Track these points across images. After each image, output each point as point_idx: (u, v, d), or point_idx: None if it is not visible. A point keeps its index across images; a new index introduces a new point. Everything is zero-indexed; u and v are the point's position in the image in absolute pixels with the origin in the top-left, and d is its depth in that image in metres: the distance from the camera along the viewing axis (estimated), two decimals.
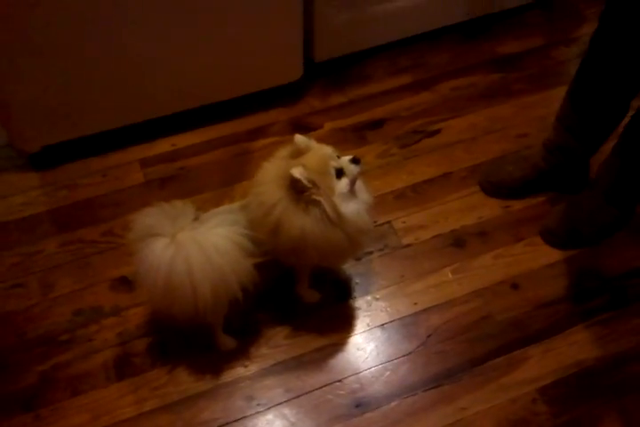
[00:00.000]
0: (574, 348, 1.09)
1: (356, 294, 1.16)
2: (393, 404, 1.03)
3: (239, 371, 1.06)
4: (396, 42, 1.54)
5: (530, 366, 1.07)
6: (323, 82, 1.50)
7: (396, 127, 1.42)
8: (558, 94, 1.47)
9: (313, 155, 0.91)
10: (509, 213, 1.27)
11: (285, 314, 1.12)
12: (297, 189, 0.88)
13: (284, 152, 0.94)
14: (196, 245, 0.88)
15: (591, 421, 1.02)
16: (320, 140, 1.37)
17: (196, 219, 0.93)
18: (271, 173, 0.92)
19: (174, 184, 1.32)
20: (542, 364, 1.07)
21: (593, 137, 1.18)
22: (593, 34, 1.04)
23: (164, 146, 1.39)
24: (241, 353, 1.07)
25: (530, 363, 1.07)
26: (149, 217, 0.92)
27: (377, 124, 1.43)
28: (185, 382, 1.05)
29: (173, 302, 0.90)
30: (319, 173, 0.89)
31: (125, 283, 1.15)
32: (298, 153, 0.91)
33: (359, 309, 1.14)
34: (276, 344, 1.09)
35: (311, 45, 1.43)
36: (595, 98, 1.10)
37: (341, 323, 1.12)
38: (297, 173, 0.86)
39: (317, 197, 0.88)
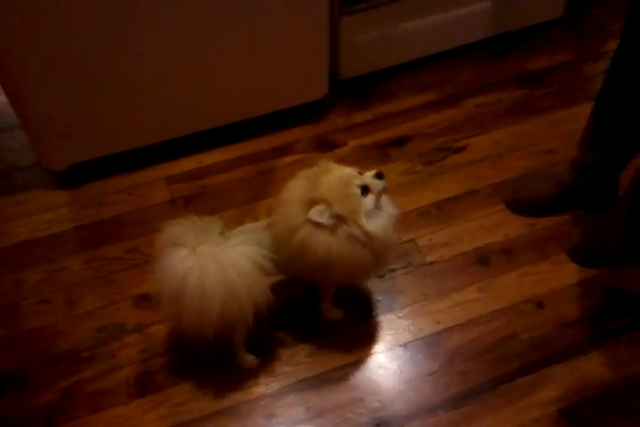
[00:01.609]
0: (599, 368, 1.05)
1: (378, 311, 1.14)
2: (414, 424, 1.00)
3: (260, 389, 1.05)
4: (420, 59, 1.54)
5: (553, 387, 1.03)
6: (347, 99, 1.51)
7: (421, 144, 1.42)
8: (585, 110, 1.44)
9: (334, 175, 0.90)
10: (535, 231, 1.24)
11: (307, 332, 1.11)
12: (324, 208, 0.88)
13: (307, 172, 0.94)
14: (214, 259, 0.89)
15: None
16: (344, 157, 1.41)
17: (222, 234, 0.94)
18: (296, 194, 0.91)
19: (199, 202, 1.34)
20: (566, 384, 1.03)
21: (619, 155, 1.15)
22: (615, 52, 1.03)
23: (190, 163, 1.41)
24: (262, 371, 1.06)
25: (554, 383, 1.03)
26: (177, 228, 0.93)
27: (401, 142, 1.43)
28: (206, 399, 1.04)
29: (181, 312, 0.90)
30: (342, 197, 0.88)
31: (148, 300, 1.16)
32: (320, 174, 0.91)
33: (382, 327, 1.12)
34: (298, 362, 1.07)
35: (336, 63, 1.45)
36: (619, 115, 1.08)
37: (363, 341, 1.10)
38: (317, 215, 0.87)
39: (347, 230, 0.88)
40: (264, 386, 1.05)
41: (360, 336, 1.11)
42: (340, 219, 0.88)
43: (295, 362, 1.07)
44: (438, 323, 1.11)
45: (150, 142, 1.38)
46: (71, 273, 1.22)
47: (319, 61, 1.38)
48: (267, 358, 1.08)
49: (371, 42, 1.44)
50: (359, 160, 1.39)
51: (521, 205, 1.26)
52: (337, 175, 0.91)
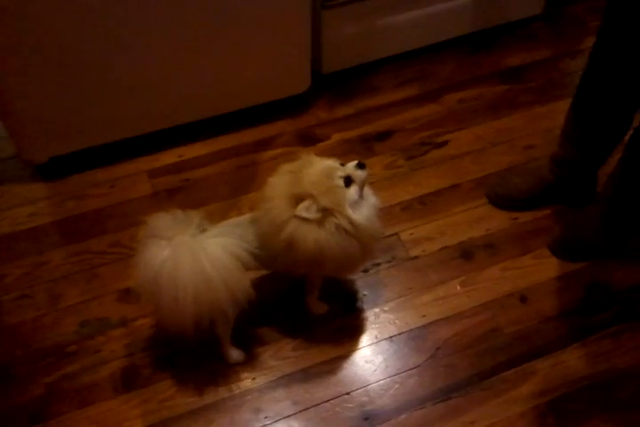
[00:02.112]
0: (583, 361, 1.08)
1: (363, 306, 1.15)
2: (402, 417, 1.02)
3: (247, 383, 1.05)
4: (402, 54, 1.55)
5: (538, 380, 1.06)
6: (330, 93, 1.51)
7: (403, 139, 1.43)
8: (565, 106, 1.47)
9: (316, 168, 0.91)
10: (517, 226, 1.27)
11: (293, 326, 1.12)
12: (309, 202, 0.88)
13: (289, 167, 0.94)
14: (188, 250, 0.88)
15: None
16: (327, 150, 1.41)
17: (203, 229, 0.93)
18: (279, 189, 0.91)
19: (181, 195, 1.32)
20: (551, 377, 1.06)
21: (597, 150, 1.18)
22: (592, 48, 1.05)
23: (171, 157, 1.39)
24: (248, 365, 1.07)
25: (538, 376, 1.07)
26: (156, 220, 0.93)
27: (384, 136, 1.44)
28: (192, 394, 1.04)
29: (158, 304, 0.90)
30: (325, 189, 0.89)
31: (132, 294, 1.15)
32: (302, 168, 0.91)
33: (367, 321, 1.13)
34: (284, 356, 1.08)
35: (319, 57, 1.44)
36: (597, 111, 1.11)
37: (349, 335, 1.12)
38: (304, 212, 0.87)
39: (335, 221, 0.88)
40: (250, 380, 1.06)
41: (346, 330, 1.12)
42: (326, 211, 0.88)
43: (281, 356, 1.08)
44: (423, 316, 1.13)
45: (131, 135, 1.36)
46: (54, 267, 1.20)
47: (301, 55, 1.37)
48: (253, 352, 1.08)
49: (353, 36, 1.44)
50: (342, 154, 1.40)
51: (502, 200, 1.29)
52: (319, 168, 0.91)
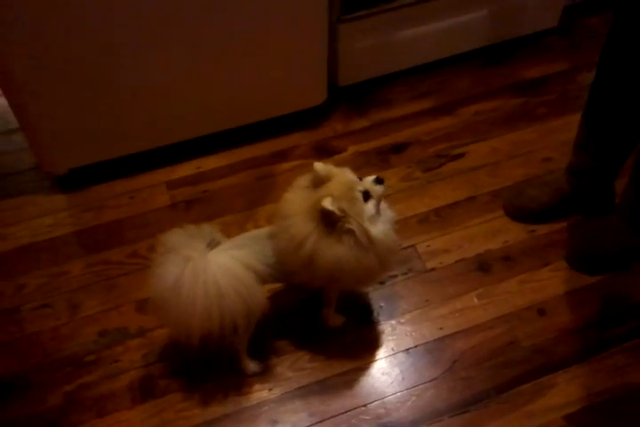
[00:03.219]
0: (601, 375, 1.07)
1: (380, 318, 1.15)
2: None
3: (263, 394, 1.05)
4: (417, 67, 1.56)
5: (557, 393, 1.05)
6: (345, 106, 1.53)
7: (419, 151, 1.43)
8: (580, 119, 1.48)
9: (337, 181, 0.91)
10: (534, 238, 1.26)
11: (309, 338, 1.12)
12: (329, 221, 0.88)
13: (303, 181, 0.94)
14: (202, 265, 0.89)
15: None
16: (344, 163, 1.40)
17: (217, 243, 0.94)
18: (297, 205, 0.91)
19: (199, 206, 1.34)
20: (569, 391, 1.05)
21: (612, 158, 1.18)
22: (600, 55, 1.05)
23: (189, 169, 1.41)
24: (265, 376, 1.07)
25: (557, 390, 1.05)
26: (171, 236, 0.94)
27: (400, 148, 1.44)
28: (209, 404, 1.04)
29: (172, 319, 0.92)
30: (346, 199, 0.89)
31: (149, 305, 1.16)
32: (319, 181, 0.91)
33: (384, 333, 1.13)
34: (301, 368, 1.08)
35: (335, 70, 1.46)
36: (608, 120, 1.11)
37: (366, 347, 1.12)
38: (328, 204, 0.86)
39: (350, 226, 0.88)
40: (267, 392, 1.06)
41: (362, 342, 1.12)
42: (347, 217, 0.87)
43: (298, 368, 1.08)
44: (440, 329, 1.13)
45: (150, 147, 1.38)
46: (73, 277, 1.22)
47: (318, 68, 1.39)
48: (270, 363, 1.08)
49: (369, 49, 1.46)
50: (359, 166, 1.41)
51: (519, 212, 1.28)
52: (339, 181, 0.91)
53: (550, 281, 1.20)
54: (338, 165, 1.37)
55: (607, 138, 1.13)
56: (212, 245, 0.93)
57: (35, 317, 1.16)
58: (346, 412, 1.03)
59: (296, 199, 0.93)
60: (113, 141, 1.33)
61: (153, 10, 1.13)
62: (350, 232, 0.88)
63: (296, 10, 1.24)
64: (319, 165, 0.91)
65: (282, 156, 1.44)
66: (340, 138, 1.47)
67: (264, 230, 1.01)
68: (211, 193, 1.37)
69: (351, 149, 1.45)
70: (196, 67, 1.26)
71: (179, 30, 1.18)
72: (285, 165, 1.42)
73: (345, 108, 1.53)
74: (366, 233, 0.89)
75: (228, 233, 1.26)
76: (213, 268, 0.89)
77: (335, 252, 0.88)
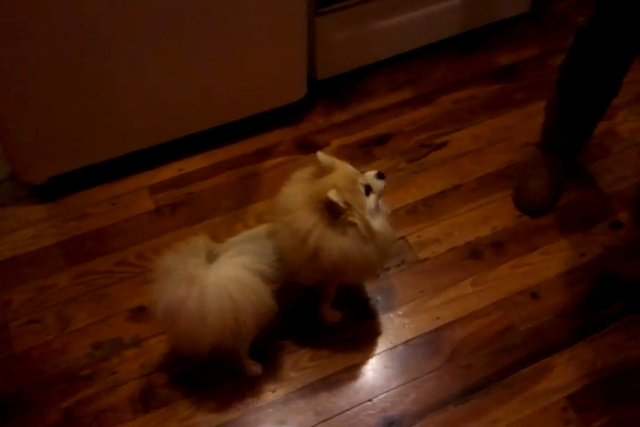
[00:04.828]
0: (598, 354, 1.10)
1: (377, 311, 1.15)
2: (424, 421, 1.02)
3: (267, 396, 1.04)
4: (395, 57, 1.56)
5: (557, 375, 1.07)
6: (325, 100, 1.51)
7: (402, 142, 1.43)
8: None
9: (339, 173, 0.90)
10: (522, 223, 1.28)
11: (308, 336, 1.11)
12: (333, 212, 0.87)
13: (303, 174, 0.93)
14: (209, 281, 0.86)
15: (622, 425, 1.02)
16: None
17: (216, 254, 0.91)
18: (298, 198, 0.90)
19: (185, 209, 1.31)
20: (569, 371, 1.07)
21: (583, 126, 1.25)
22: (576, 38, 1.09)
23: (171, 171, 1.38)
24: (267, 378, 1.06)
25: (556, 371, 1.07)
26: (167, 259, 0.91)
27: (383, 140, 1.44)
28: (212, 410, 1.03)
29: (179, 334, 0.90)
30: (349, 191, 0.88)
31: (144, 312, 1.14)
32: (321, 172, 0.90)
33: (381, 326, 1.13)
34: (303, 367, 1.08)
35: (313, 64, 1.44)
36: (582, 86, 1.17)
37: (365, 342, 1.12)
38: (334, 195, 0.85)
39: (353, 219, 0.88)
40: (271, 393, 1.05)
41: (361, 337, 1.12)
42: (350, 209, 0.87)
43: (300, 367, 1.08)
44: (437, 319, 1.14)
45: (130, 151, 1.34)
46: (60, 290, 1.18)
47: (297, 63, 1.37)
48: (271, 364, 1.07)
49: (346, 41, 1.45)
50: (343, 160, 1.39)
51: (535, 208, 1.29)
52: (342, 173, 0.90)
53: (540, 265, 1.21)
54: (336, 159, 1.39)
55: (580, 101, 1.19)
56: (211, 257, 0.90)
57: (24, 333, 1.12)
58: (351, 408, 1.03)
59: (296, 193, 0.91)
60: (91, 147, 1.29)
61: (124, 10, 1.09)
62: (353, 225, 0.88)
63: (274, 4, 1.21)
64: (322, 155, 0.90)
65: (265, 153, 1.42)
66: (322, 132, 1.46)
67: (260, 229, 0.99)
68: (195, 195, 1.34)
69: (334, 143, 1.44)
70: (173, 68, 1.23)
71: (153, 30, 1.14)
72: (269, 163, 1.40)
73: (325, 102, 1.51)
74: (368, 226, 0.89)
75: (217, 235, 1.25)
76: (222, 282, 0.87)
77: (340, 244, 0.87)
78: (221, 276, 0.87)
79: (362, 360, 1.09)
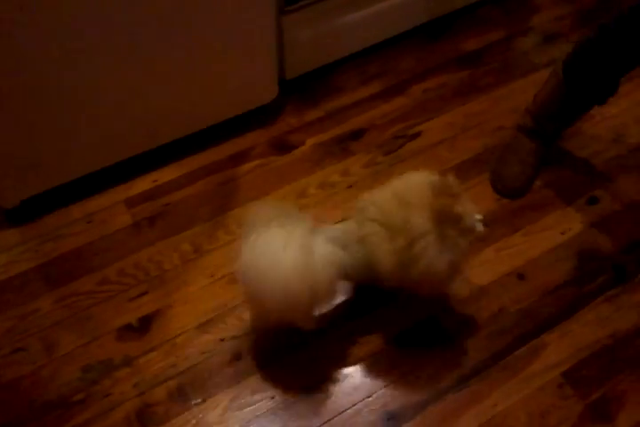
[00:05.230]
0: (587, 328, 1.11)
1: (370, 307, 1.14)
2: (425, 411, 1.02)
3: (267, 404, 1.03)
4: (362, 51, 1.55)
5: (550, 353, 1.08)
6: (296, 98, 1.50)
7: (377, 135, 1.43)
8: (525, 84, 1.51)
9: (463, 200, 0.92)
10: (502, 206, 1.28)
11: (301, 338, 1.10)
12: (450, 229, 0.89)
13: (431, 177, 0.93)
14: (308, 248, 0.88)
15: (618, 396, 1.03)
16: (305, 157, 1.39)
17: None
18: (423, 198, 0.90)
19: (163, 221, 1.29)
20: (561, 349, 1.08)
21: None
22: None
23: (145, 183, 1.35)
24: (264, 385, 1.05)
25: (549, 350, 1.08)
26: (265, 209, 0.93)
27: (357, 135, 1.43)
28: (213, 424, 1.01)
29: (262, 292, 0.90)
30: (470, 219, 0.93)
31: (132, 330, 1.11)
32: (442, 192, 0.91)
33: (374, 322, 1.12)
34: (300, 369, 1.06)
35: (281, 63, 1.43)
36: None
37: (360, 338, 1.11)
38: (479, 225, 0.92)
39: (464, 241, 0.92)
40: (270, 400, 1.03)
41: (357, 333, 1.11)
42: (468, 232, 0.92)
43: (297, 370, 1.06)
44: (428, 309, 1.13)
45: (102, 166, 1.31)
46: (43, 315, 1.15)
47: (267, 64, 1.35)
48: (266, 371, 1.06)
49: (313, 38, 1.43)
50: (320, 158, 1.39)
51: (510, 193, 1.30)
52: (463, 204, 0.92)
53: (524, 246, 1.22)
54: (300, 159, 1.38)
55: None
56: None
57: (10, 363, 1.09)
58: (353, 406, 1.02)
59: (423, 191, 0.90)
60: (62, 166, 1.25)
61: (85, 19, 1.05)
62: (457, 247, 0.91)
63: (242, 6, 1.19)
64: (454, 181, 0.92)
65: (240, 157, 1.40)
66: (296, 132, 1.44)
67: (348, 226, 0.98)
68: (173, 205, 1.32)
69: (309, 142, 1.42)
70: (140, 76, 1.19)
71: (117, 39, 1.10)
72: (246, 167, 1.38)
73: (296, 101, 1.50)
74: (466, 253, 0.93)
75: (199, 244, 1.24)
76: (317, 254, 0.89)
77: (450, 257, 0.90)
78: (317, 251, 0.89)
79: (358, 358, 1.08)
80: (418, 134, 1.42)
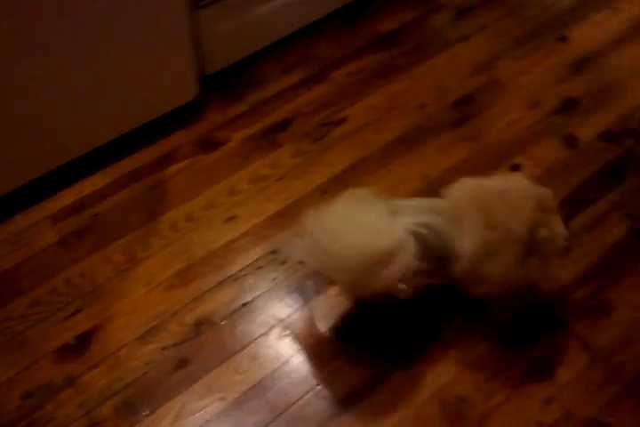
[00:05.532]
0: None
1: (308, 293, 1.14)
2: (375, 392, 1.02)
3: (219, 405, 1.02)
4: (281, 40, 1.53)
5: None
6: (219, 94, 1.47)
7: (303, 124, 1.42)
8: (442, 60, 1.54)
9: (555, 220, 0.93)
10: (428, 183, 1.30)
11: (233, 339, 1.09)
12: (541, 239, 0.91)
13: (524, 184, 0.95)
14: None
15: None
16: (233, 153, 1.37)
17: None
18: (530, 193, 0.92)
19: (92, 234, 1.24)
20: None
21: None
22: None
23: (70, 196, 1.30)
24: (211, 389, 1.03)
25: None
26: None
27: (284, 125, 1.42)
28: None
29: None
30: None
31: (70, 350, 1.08)
32: (543, 204, 0.92)
33: (318, 309, 1.12)
34: (244, 369, 1.05)
35: (200, 59, 1.39)
36: None
37: (307, 325, 1.11)
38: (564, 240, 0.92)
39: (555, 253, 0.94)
40: (220, 401, 1.02)
41: (300, 322, 1.11)
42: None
43: (241, 370, 1.06)
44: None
45: (21, 183, 1.25)
46: None
47: (186, 61, 1.31)
48: (212, 373, 1.04)
49: (230, 31, 1.40)
50: (248, 152, 1.37)
51: None
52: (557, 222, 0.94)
53: None
54: (228, 155, 1.36)
55: None
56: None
57: None
58: (304, 395, 1.02)
59: (530, 187, 0.93)
60: None
61: None
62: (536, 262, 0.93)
63: (153, 3, 1.14)
64: (550, 194, 0.95)
65: (166, 159, 1.36)
66: (221, 128, 1.42)
67: (440, 202, 0.97)
68: (101, 216, 1.27)
69: (236, 137, 1.40)
70: (55, 84, 1.12)
71: (19, 39, 1.01)
72: (173, 168, 1.35)
73: (219, 97, 1.47)
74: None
75: (132, 253, 1.20)
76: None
77: (521, 267, 0.91)
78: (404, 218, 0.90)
79: (297, 350, 1.08)
80: (343, 120, 1.42)
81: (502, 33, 1.59)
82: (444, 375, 1.04)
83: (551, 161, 1.34)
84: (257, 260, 1.19)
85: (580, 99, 1.44)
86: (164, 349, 1.08)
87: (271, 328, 1.11)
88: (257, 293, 1.15)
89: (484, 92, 1.46)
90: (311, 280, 1.16)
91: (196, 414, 1.01)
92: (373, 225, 0.88)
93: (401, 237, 0.87)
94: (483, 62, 1.52)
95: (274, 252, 1.21)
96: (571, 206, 1.25)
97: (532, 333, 1.08)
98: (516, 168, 1.32)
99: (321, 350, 1.08)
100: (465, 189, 0.96)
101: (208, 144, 1.39)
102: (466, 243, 0.91)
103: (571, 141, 1.37)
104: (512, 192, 0.93)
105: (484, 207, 0.92)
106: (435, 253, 0.92)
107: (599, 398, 1.01)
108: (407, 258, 0.86)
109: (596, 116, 1.41)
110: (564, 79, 1.48)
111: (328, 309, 1.13)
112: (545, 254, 0.93)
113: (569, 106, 1.43)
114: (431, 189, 1.29)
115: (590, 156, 1.35)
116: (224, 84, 1.49)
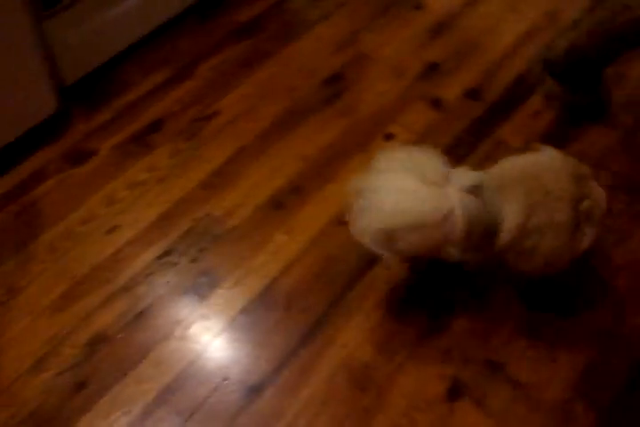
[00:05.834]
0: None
1: (206, 292, 1.12)
2: (284, 372, 1.02)
3: (124, 418, 0.98)
4: (139, 42, 1.48)
5: (380, 286, 1.12)
6: (83, 104, 1.41)
7: (176, 123, 1.39)
8: (305, 42, 1.55)
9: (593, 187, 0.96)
10: (309, 165, 1.30)
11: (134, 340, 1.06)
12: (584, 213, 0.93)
13: (565, 164, 0.96)
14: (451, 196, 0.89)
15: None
16: (103, 163, 1.32)
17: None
18: (567, 169, 0.94)
19: None
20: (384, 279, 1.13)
21: None
22: None
23: None
24: (116, 404, 0.99)
25: (378, 282, 1.13)
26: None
27: (155, 127, 1.38)
28: None
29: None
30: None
31: None
32: (579, 175, 0.94)
33: (217, 303, 1.11)
34: (148, 377, 1.02)
35: (56, 70, 1.32)
36: None
37: (202, 325, 1.09)
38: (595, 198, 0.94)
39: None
40: (125, 415, 0.98)
41: (199, 321, 1.09)
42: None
43: (145, 378, 1.02)
44: (265, 277, 1.14)
45: None
46: None
47: (38, 75, 1.25)
48: (114, 389, 1.00)
49: (83, 39, 1.34)
50: (120, 160, 1.32)
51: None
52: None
53: (338, 193, 1.23)
54: (98, 167, 1.30)
55: None
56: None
57: None
58: (213, 393, 1.01)
59: (568, 164, 0.96)
60: None
61: None
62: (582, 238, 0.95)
63: None
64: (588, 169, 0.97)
65: (35, 179, 1.29)
66: (88, 139, 1.36)
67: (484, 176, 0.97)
68: None
69: (105, 147, 1.35)
70: None
71: None
72: (43, 187, 1.28)
73: (84, 106, 1.41)
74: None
75: (10, 284, 1.13)
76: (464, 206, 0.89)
77: (566, 245, 0.93)
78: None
79: (206, 343, 1.06)
80: (216, 113, 1.41)
81: (361, 8, 1.63)
82: (347, 346, 1.06)
83: (422, 125, 1.38)
84: (146, 267, 1.16)
85: (441, 62, 1.50)
86: (59, 374, 1.02)
87: (171, 332, 1.08)
88: (150, 300, 1.12)
89: (352, 68, 1.49)
90: (205, 277, 1.15)
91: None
92: (427, 193, 0.90)
93: (454, 202, 0.89)
94: (346, 39, 1.55)
95: (163, 256, 1.17)
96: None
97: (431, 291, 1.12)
98: (389, 137, 1.36)
99: (223, 344, 1.07)
100: (503, 166, 1.00)
101: (77, 157, 1.33)
102: (507, 220, 0.93)
103: (437, 103, 1.42)
104: (544, 173, 0.96)
105: (524, 185, 0.95)
106: (482, 225, 0.93)
107: (494, 340, 1.06)
108: (462, 222, 0.89)
109: (457, 76, 1.48)
110: (425, 45, 1.54)
111: (225, 302, 1.11)
112: (592, 222, 0.96)
113: (432, 70, 1.49)
114: (312, 168, 1.31)
115: (457, 114, 1.41)
116: (87, 93, 1.43)
